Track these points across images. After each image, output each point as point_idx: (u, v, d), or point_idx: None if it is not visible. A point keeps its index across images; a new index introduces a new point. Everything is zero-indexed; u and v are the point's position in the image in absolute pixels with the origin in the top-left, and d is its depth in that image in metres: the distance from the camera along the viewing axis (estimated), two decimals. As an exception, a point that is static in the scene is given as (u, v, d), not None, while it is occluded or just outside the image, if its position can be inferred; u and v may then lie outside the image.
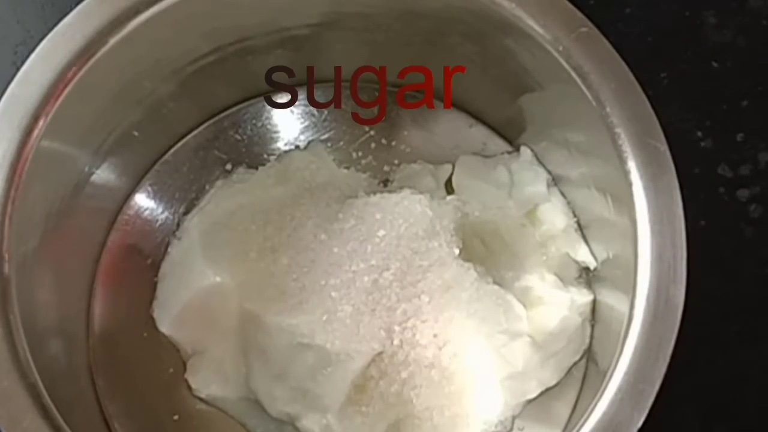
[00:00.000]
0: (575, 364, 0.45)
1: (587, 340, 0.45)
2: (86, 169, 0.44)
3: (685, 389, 0.43)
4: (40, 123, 0.38)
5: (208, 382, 0.45)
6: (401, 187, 0.47)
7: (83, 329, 0.46)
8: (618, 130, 0.39)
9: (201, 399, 0.45)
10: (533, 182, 0.47)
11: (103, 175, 0.45)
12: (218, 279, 0.46)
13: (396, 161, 0.49)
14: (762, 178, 0.50)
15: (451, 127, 0.50)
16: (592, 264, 0.46)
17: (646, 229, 0.38)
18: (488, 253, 0.47)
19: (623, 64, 0.39)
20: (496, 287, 0.44)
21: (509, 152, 0.49)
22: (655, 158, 0.38)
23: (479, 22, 0.42)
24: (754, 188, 0.50)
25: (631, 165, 0.38)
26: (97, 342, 0.46)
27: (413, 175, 0.48)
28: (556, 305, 0.45)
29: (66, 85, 0.39)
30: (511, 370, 0.44)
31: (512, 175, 0.48)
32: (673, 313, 0.36)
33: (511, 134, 0.49)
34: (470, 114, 0.50)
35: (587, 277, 0.47)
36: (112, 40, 0.39)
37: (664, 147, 0.38)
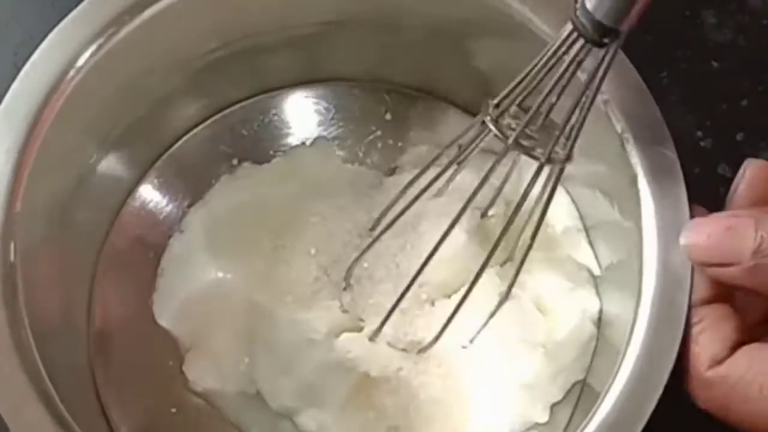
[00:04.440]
0: (578, 381, 0.44)
1: (591, 356, 0.45)
2: (92, 160, 0.44)
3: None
4: (47, 115, 0.39)
5: (204, 375, 0.45)
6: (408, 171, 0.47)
7: (84, 320, 0.46)
8: (627, 135, 0.39)
9: (197, 393, 0.45)
10: (538, 182, 0.47)
11: (109, 167, 0.45)
12: (219, 274, 0.46)
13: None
14: (762, 178, 0.50)
15: (458, 129, 0.49)
16: (595, 268, 0.45)
17: (652, 236, 0.38)
18: (500, 257, 0.46)
19: (633, 69, 0.40)
20: (516, 295, 0.44)
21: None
22: (664, 165, 0.38)
23: (490, 25, 0.42)
24: (754, 188, 0.50)
25: (639, 171, 0.38)
26: (98, 333, 0.46)
27: (422, 157, 0.48)
28: (568, 314, 0.44)
29: (73, 78, 0.39)
30: (522, 382, 0.43)
31: (520, 173, 0.48)
32: (677, 322, 0.36)
33: None
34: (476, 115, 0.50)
35: (595, 282, 0.46)
36: (122, 32, 0.40)
37: (673, 154, 0.38)
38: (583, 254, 0.46)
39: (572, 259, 0.46)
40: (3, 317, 0.36)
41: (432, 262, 0.40)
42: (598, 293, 0.45)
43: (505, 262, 0.45)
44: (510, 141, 0.36)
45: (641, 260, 0.38)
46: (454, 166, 0.41)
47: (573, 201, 0.47)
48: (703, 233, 0.36)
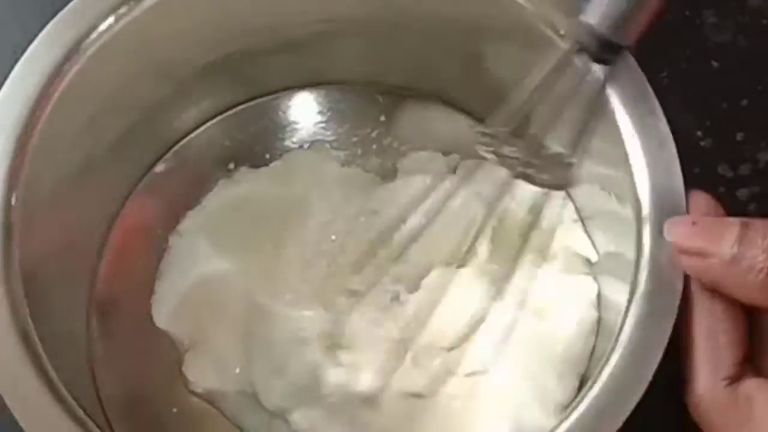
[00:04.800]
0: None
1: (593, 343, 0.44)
2: (86, 168, 0.44)
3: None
4: (33, 123, 0.38)
5: (204, 375, 0.45)
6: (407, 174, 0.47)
7: (83, 324, 0.46)
8: (628, 131, 0.39)
9: (197, 394, 0.45)
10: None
11: (104, 173, 0.45)
12: (218, 274, 0.46)
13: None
14: (762, 178, 0.50)
15: (453, 129, 0.50)
16: (593, 256, 0.45)
17: (648, 225, 0.37)
18: (497, 259, 0.46)
19: (638, 68, 0.39)
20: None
21: None
22: (663, 159, 0.38)
23: (495, 26, 0.42)
24: (754, 188, 0.50)
25: (636, 164, 0.38)
26: (98, 336, 0.46)
27: (423, 162, 0.48)
28: (569, 312, 0.44)
29: (59, 86, 0.39)
30: (531, 395, 0.43)
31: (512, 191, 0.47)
32: (671, 311, 0.36)
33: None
34: (471, 116, 0.50)
35: (592, 270, 0.46)
36: (110, 34, 0.40)
37: (672, 148, 0.38)
38: (579, 242, 0.46)
39: (566, 248, 0.46)
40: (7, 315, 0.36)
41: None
42: (596, 279, 0.45)
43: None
44: (515, 172, 0.36)
45: (638, 248, 0.37)
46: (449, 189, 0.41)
47: (568, 194, 0.47)
48: (688, 221, 0.36)
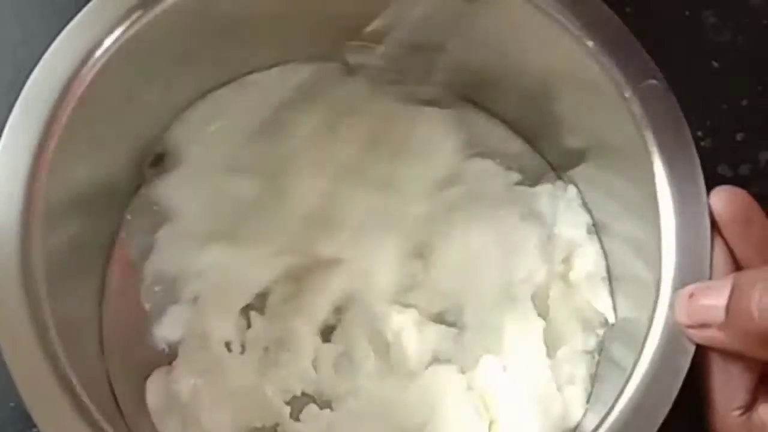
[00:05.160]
0: None
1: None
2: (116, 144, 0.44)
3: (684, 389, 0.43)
4: (65, 109, 0.38)
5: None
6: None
7: (96, 312, 0.46)
8: (665, 197, 0.40)
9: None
10: (574, 225, 0.47)
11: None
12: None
13: None
14: (762, 178, 0.50)
15: (514, 152, 0.50)
16: (611, 317, 0.45)
17: (666, 295, 0.38)
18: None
19: (686, 126, 0.40)
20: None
21: (553, 183, 0.49)
22: (696, 231, 0.39)
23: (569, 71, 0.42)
24: (754, 188, 0.50)
25: (667, 232, 0.39)
26: (107, 327, 0.46)
27: (483, 174, 0.48)
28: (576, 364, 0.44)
29: (95, 64, 0.39)
30: None
31: (555, 213, 0.47)
32: (673, 386, 0.36)
33: (561, 168, 0.49)
34: (530, 143, 0.50)
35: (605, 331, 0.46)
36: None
37: (706, 221, 0.39)
38: (600, 301, 0.46)
39: (589, 306, 0.46)
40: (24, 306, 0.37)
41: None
42: (606, 338, 0.45)
43: None
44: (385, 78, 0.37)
45: (652, 317, 0.38)
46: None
47: (603, 250, 0.47)
48: (686, 294, 0.37)
